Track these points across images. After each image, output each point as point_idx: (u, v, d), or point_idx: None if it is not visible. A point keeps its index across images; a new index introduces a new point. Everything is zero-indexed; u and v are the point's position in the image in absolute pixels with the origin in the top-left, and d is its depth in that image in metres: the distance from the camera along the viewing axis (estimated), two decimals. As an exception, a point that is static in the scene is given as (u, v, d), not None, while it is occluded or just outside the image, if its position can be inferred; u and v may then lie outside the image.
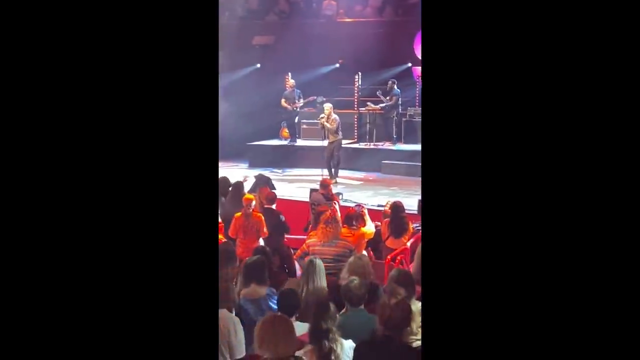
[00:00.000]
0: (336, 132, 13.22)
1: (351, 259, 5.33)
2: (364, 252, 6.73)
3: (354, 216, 7.36)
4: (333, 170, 13.38)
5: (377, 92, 15.44)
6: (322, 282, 5.11)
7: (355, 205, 8.25)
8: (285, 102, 15.35)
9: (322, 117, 13.27)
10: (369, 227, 7.39)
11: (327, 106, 13.43)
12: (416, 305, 4.30)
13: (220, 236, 7.15)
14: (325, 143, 13.40)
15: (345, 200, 10.59)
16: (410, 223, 7.68)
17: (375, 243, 7.62)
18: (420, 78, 16.40)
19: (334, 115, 13.28)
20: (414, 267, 5.89)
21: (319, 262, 5.20)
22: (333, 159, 13.39)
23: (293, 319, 4.41)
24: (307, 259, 5.39)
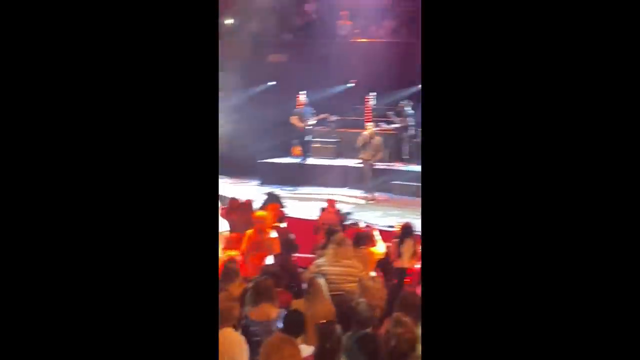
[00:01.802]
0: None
1: (364, 281, 5.28)
2: (374, 274, 6.68)
3: (363, 236, 7.33)
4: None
5: (387, 112, 15.46)
6: (327, 301, 5.07)
7: (365, 226, 8.23)
8: (297, 119, 15.36)
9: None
10: (379, 248, 7.35)
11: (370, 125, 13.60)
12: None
13: (232, 252, 7.15)
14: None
15: (353, 221, 10.55)
16: (418, 245, 7.63)
17: (385, 264, 7.56)
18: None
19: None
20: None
21: (323, 282, 5.16)
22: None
23: (299, 340, 4.37)
24: (311, 278, 5.35)
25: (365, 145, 13.20)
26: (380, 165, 15.23)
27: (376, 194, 13.87)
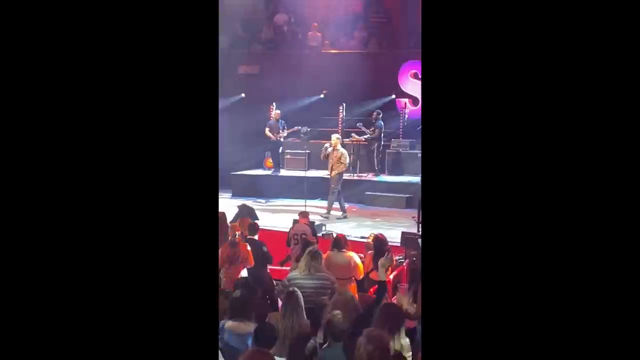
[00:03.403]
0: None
1: (335, 295, 5.28)
2: (347, 288, 6.68)
3: (342, 240, 7.38)
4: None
5: (358, 124, 15.54)
6: (302, 315, 5.06)
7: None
8: (269, 131, 15.39)
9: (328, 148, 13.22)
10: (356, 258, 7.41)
11: (335, 137, 13.35)
12: (404, 340, 4.28)
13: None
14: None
15: (328, 231, 10.57)
16: (394, 256, 7.67)
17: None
18: (403, 110, 16.52)
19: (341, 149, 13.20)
20: (399, 299, 5.85)
21: (298, 295, 5.15)
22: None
23: (271, 351, 4.35)
24: (286, 291, 5.33)
25: (328, 156, 13.15)
26: (352, 177, 15.30)
27: (347, 205, 13.90)
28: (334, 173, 13.00)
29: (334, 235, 8.68)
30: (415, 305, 5.26)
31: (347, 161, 13.16)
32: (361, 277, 7.23)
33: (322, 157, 13.42)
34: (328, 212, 12.95)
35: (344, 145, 13.74)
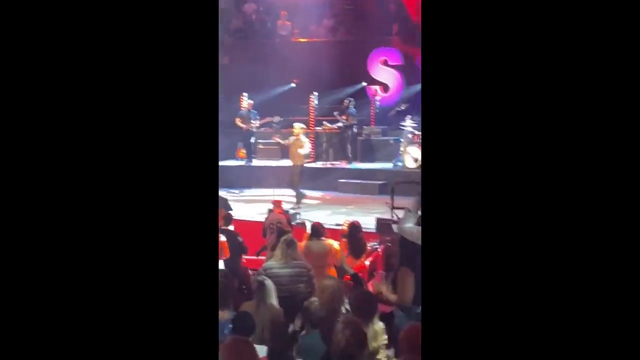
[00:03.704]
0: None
1: (320, 281, 5.29)
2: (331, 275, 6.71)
3: (318, 228, 7.41)
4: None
5: (334, 113, 15.56)
6: (274, 302, 5.08)
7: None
8: (241, 121, 15.34)
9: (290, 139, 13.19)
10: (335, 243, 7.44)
11: (298, 126, 13.31)
12: (378, 325, 4.31)
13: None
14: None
15: (302, 220, 10.59)
16: (367, 242, 7.71)
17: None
18: (374, 97, 16.57)
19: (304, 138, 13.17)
20: (377, 286, 5.89)
21: (269, 283, 5.17)
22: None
23: (249, 339, 4.37)
24: (259, 281, 5.35)
25: (290, 146, 13.15)
26: (325, 165, 15.33)
27: (321, 194, 13.93)
28: (297, 162, 13.03)
29: (307, 223, 8.70)
30: (394, 292, 5.29)
31: (307, 151, 13.15)
32: (340, 264, 7.26)
33: (285, 145, 13.41)
34: (299, 202, 12.95)
35: (317, 135, 13.77)
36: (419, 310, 4.54)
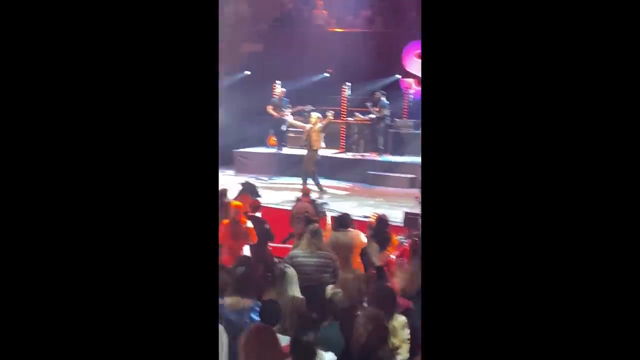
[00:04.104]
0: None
1: (345, 274, 5.30)
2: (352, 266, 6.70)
3: (346, 219, 7.40)
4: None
5: (366, 103, 15.51)
6: (296, 291, 5.09)
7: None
8: (273, 109, 15.37)
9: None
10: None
11: (315, 115, 13.35)
12: (398, 320, 4.30)
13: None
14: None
15: (330, 210, 10.59)
16: (394, 236, 7.68)
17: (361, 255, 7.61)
18: (408, 90, 16.49)
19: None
20: (399, 280, 5.88)
21: (290, 271, 5.18)
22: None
23: (274, 329, 4.38)
24: (280, 269, 5.36)
25: (308, 134, 13.18)
26: (355, 156, 15.30)
27: (350, 184, 13.92)
28: (313, 149, 13.08)
29: (327, 214, 8.67)
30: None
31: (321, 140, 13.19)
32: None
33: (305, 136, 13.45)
34: (320, 189, 12.97)
35: (348, 126, 13.76)
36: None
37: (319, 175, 13.30)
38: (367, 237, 7.51)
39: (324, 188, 13.22)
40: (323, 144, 13.26)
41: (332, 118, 13.29)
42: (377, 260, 7.01)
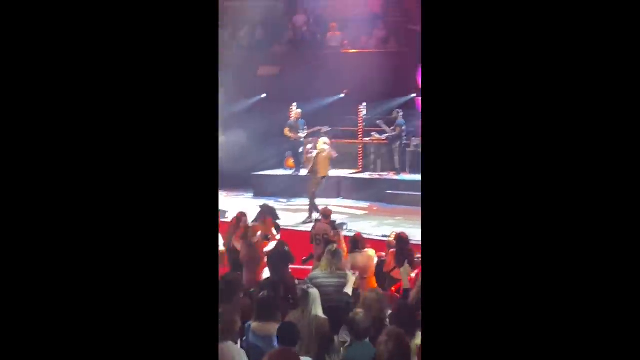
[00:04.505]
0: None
1: (366, 293, 5.32)
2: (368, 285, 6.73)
3: (359, 240, 7.47)
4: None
5: (378, 122, 15.54)
6: (319, 311, 5.10)
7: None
8: (289, 131, 15.44)
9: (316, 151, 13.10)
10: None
11: (322, 141, 13.25)
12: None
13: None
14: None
15: (350, 231, 10.61)
16: (415, 254, 7.68)
17: (380, 274, 7.62)
18: (424, 109, 16.50)
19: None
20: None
21: (313, 292, 5.19)
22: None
23: (294, 350, 4.40)
24: (302, 289, 5.38)
25: (312, 159, 13.08)
26: (373, 175, 15.31)
27: (368, 204, 13.91)
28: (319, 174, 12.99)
29: (342, 235, 8.68)
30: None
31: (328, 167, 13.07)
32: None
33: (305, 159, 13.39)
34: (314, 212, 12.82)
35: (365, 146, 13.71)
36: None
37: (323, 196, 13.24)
38: (391, 256, 7.54)
39: (342, 208, 13.19)
40: (330, 172, 13.14)
41: (333, 154, 13.14)
42: (406, 282, 7.03)
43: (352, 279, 6.17)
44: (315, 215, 11.42)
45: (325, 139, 13.38)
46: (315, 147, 13.16)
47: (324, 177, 13.07)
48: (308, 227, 10.31)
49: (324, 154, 12.91)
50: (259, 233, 7.83)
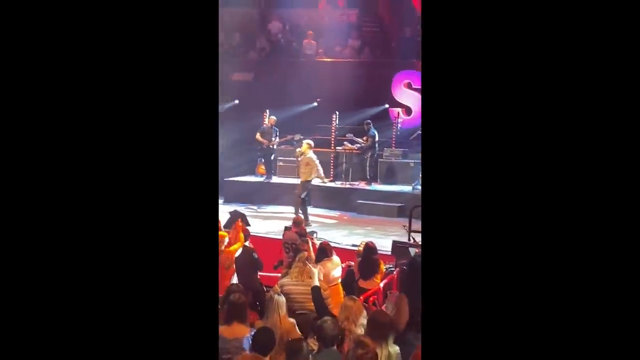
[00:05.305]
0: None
1: (346, 300, 5.31)
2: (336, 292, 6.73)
3: (327, 248, 7.53)
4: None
5: (348, 135, 15.60)
6: (285, 318, 5.09)
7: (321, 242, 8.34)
8: (261, 136, 15.42)
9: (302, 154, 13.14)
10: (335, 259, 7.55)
11: (305, 142, 13.33)
12: (393, 348, 4.31)
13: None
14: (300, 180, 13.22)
15: (319, 239, 10.60)
16: (382, 264, 7.70)
17: (348, 283, 7.62)
18: (396, 120, 16.58)
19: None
20: (391, 309, 5.87)
21: (279, 299, 5.20)
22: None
23: (267, 358, 4.38)
24: (269, 296, 5.38)
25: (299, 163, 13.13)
26: (344, 185, 15.33)
27: (339, 213, 13.92)
28: (301, 179, 13.02)
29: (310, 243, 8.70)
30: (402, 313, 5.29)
31: (315, 167, 13.01)
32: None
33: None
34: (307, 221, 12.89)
35: (337, 155, 13.75)
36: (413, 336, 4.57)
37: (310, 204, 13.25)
38: (354, 265, 7.56)
39: (312, 216, 13.20)
40: (313, 176, 13.12)
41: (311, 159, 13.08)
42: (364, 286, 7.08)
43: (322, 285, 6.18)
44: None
45: (309, 141, 13.34)
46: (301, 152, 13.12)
47: (308, 181, 13.03)
48: (279, 234, 10.28)
49: (305, 157, 12.89)
50: (226, 239, 7.80)
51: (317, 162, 13.02)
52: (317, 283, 5.95)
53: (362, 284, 7.41)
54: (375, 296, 7.04)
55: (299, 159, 13.18)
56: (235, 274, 7.58)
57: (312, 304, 5.88)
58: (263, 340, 4.48)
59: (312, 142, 13.33)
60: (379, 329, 4.39)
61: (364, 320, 4.90)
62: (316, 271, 6.10)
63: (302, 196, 12.94)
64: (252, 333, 4.76)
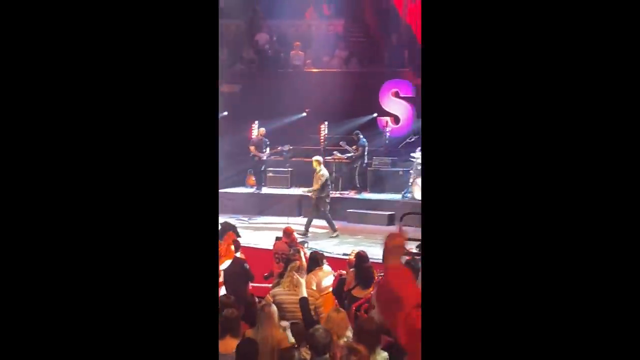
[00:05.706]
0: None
1: (331, 312, 5.32)
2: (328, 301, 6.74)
3: (318, 257, 7.54)
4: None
5: (340, 143, 15.64)
6: (277, 328, 5.09)
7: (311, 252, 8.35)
8: (255, 149, 15.45)
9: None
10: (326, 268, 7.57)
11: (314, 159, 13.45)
12: (381, 356, 4.31)
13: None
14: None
15: (310, 249, 10.60)
16: (375, 272, 7.70)
17: (339, 292, 7.61)
18: (385, 129, 16.63)
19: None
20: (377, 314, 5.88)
21: (271, 309, 5.20)
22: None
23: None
24: (262, 306, 5.38)
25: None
26: (334, 194, 15.35)
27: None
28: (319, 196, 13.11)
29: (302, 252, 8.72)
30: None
31: (321, 181, 13.15)
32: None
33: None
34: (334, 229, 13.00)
35: (326, 165, 13.84)
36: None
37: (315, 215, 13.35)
38: (351, 275, 7.55)
39: (300, 226, 13.23)
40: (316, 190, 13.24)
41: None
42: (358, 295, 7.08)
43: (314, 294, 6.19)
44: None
45: (317, 158, 13.50)
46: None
47: (323, 196, 13.14)
48: (269, 245, 10.28)
49: (318, 174, 13.08)
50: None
51: (324, 178, 13.14)
52: (304, 294, 5.95)
53: (356, 292, 7.40)
54: (367, 304, 7.04)
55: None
56: (223, 287, 7.56)
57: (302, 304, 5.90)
58: (245, 352, 4.46)
59: (320, 159, 13.44)
60: (366, 336, 4.40)
61: (349, 332, 4.91)
62: (303, 281, 6.11)
63: (326, 210, 13.09)
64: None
